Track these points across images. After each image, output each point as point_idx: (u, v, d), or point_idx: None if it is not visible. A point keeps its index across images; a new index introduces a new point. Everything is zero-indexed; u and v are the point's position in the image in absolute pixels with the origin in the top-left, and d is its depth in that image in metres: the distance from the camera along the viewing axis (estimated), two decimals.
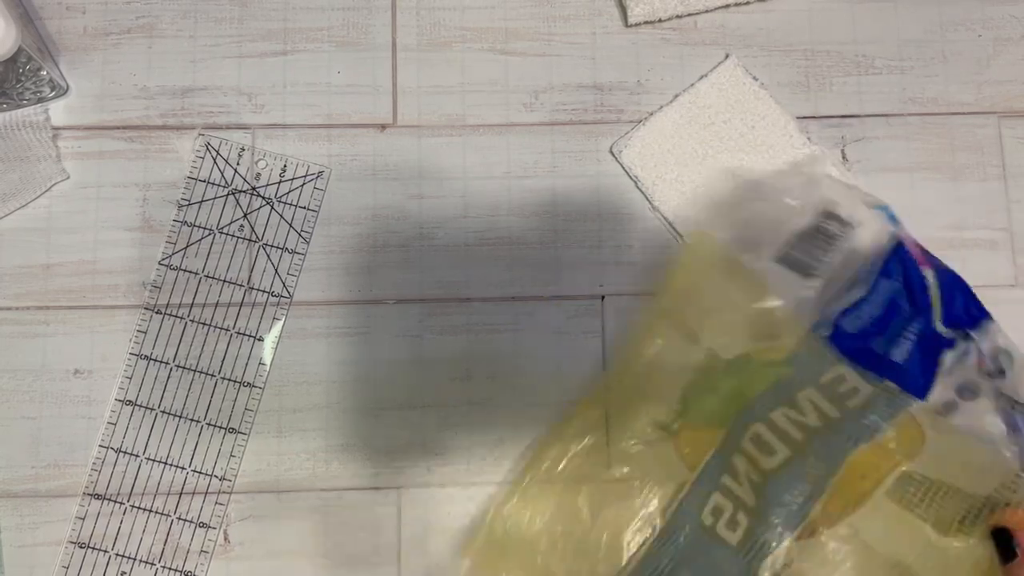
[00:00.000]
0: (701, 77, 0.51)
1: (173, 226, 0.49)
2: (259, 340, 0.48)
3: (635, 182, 0.50)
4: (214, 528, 0.47)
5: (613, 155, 0.50)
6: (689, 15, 0.52)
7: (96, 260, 0.49)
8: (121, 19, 0.51)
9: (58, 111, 0.50)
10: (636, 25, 0.51)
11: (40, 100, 0.49)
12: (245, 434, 0.48)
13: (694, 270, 0.46)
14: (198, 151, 0.50)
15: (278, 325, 0.49)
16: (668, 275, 0.47)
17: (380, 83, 0.51)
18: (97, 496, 0.47)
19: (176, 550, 0.47)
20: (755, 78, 0.51)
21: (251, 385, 0.48)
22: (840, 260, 0.43)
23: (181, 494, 0.47)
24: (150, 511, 0.47)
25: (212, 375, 0.48)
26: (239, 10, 0.51)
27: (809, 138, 0.50)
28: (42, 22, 0.51)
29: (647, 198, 0.50)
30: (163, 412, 0.48)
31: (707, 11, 0.51)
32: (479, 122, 0.51)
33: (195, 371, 0.48)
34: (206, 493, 0.47)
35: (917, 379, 0.41)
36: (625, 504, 0.43)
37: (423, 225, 0.50)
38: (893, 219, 0.44)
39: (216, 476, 0.47)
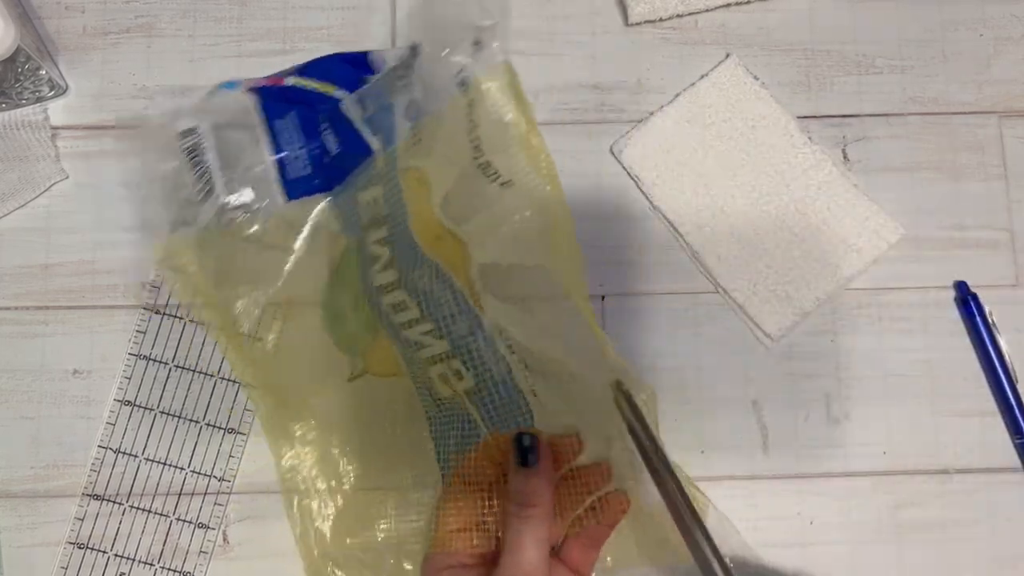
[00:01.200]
0: (702, 76, 0.51)
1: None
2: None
3: (635, 182, 0.50)
4: (213, 529, 0.47)
5: (613, 155, 0.50)
6: (690, 14, 0.51)
7: (95, 260, 0.49)
8: (120, 18, 0.51)
9: (57, 110, 0.50)
10: (637, 24, 0.51)
11: (39, 99, 0.49)
12: (244, 434, 0.48)
13: (204, 276, 0.45)
14: None
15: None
16: (201, 305, 0.46)
17: None
18: (96, 496, 0.47)
19: (175, 551, 0.47)
20: (756, 77, 0.51)
21: (251, 385, 0.48)
22: (215, 157, 0.42)
23: (180, 495, 0.47)
24: (149, 512, 0.47)
25: (211, 375, 0.48)
26: (238, 9, 0.51)
27: (810, 137, 0.50)
28: (41, 21, 0.51)
29: (647, 198, 0.50)
30: (162, 412, 0.48)
31: (708, 10, 0.51)
32: None
33: (194, 371, 0.48)
34: (205, 493, 0.47)
35: (356, 147, 0.41)
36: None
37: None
38: (230, 85, 0.44)
39: (215, 477, 0.47)
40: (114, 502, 0.47)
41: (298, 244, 0.43)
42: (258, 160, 0.43)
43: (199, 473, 0.47)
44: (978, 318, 0.48)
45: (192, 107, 0.44)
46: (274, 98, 0.43)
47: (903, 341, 0.49)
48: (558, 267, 0.44)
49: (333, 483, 0.44)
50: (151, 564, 0.46)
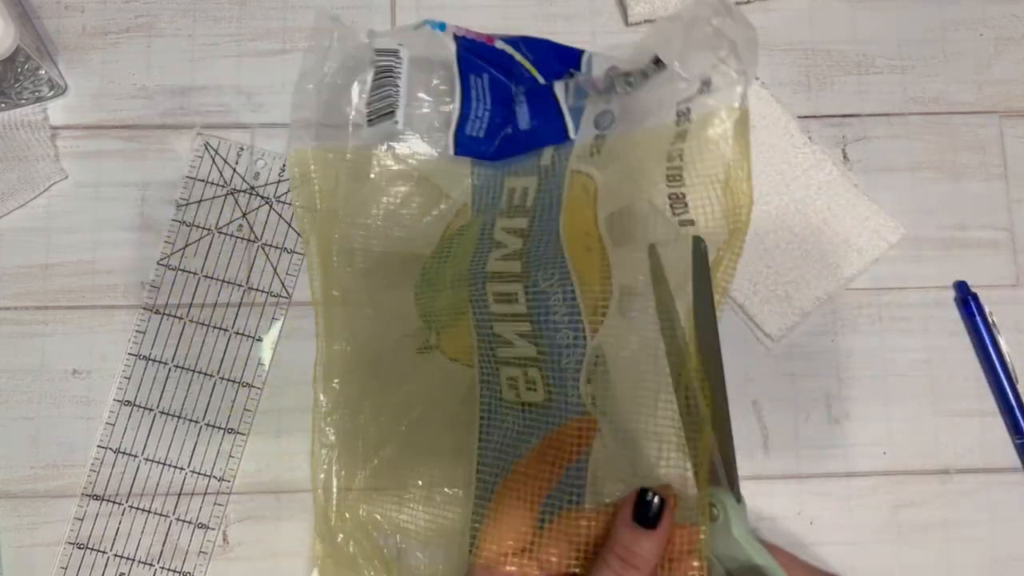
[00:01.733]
0: None
1: (172, 226, 0.49)
2: (258, 340, 0.48)
3: None
4: (213, 529, 0.47)
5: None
6: None
7: (95, 260, 0.49)
8: (120, 18, 0.51)
9: (56, 110, 0.50)
10: (636, 24, 0.51)
11: (38, 99, 0.49)
12: (244, 434, 0.48)
13: (322, 194, 0.43)
14: (197, 150, 0.50)
15: (277, 325, 0.49)
16: (303, 216, 0.44)
17: None
18: (96, 497, 0.47)
19: (175, 551, 0.47)
20: (756, 77, 0.51)
21: (250, 385, 0.48)
22: (405, 85, 0.41)
23: (180, 495, 0.47)
24: (149, 512, 0.47)
25: (211, 375, 0.48)
26: (238, 9, 0.51)
27: (810, 137, 0.50)
28: (40, 21, 0.51)
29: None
30: (162, 412, 0.48)
31: None
32: None
33: (194, 371, 0.48)
34: (205, 494, 0.47)
35: (552, 129, 0.39)
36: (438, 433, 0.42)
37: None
38: (440, 26, 0.42)
39: (215, 477, 0.47)
40: (114, 502, 0.47)
41: (432, 200, 0.41)
42: (442, 105, 0.41)
43: (199, 473, 0.47)
44: (978, 318, 0.48)
45: (392, 32, 0.42)
46: (475, 53, 0.41)
47: (903, 341, 0.49)
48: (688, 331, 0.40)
49: (367, 449, 0.43)
50: (151, 564, 0.46)
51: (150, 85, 0.50)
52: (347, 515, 0.43)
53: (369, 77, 0.41)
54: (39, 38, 0.50)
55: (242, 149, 0.50)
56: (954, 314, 0.49)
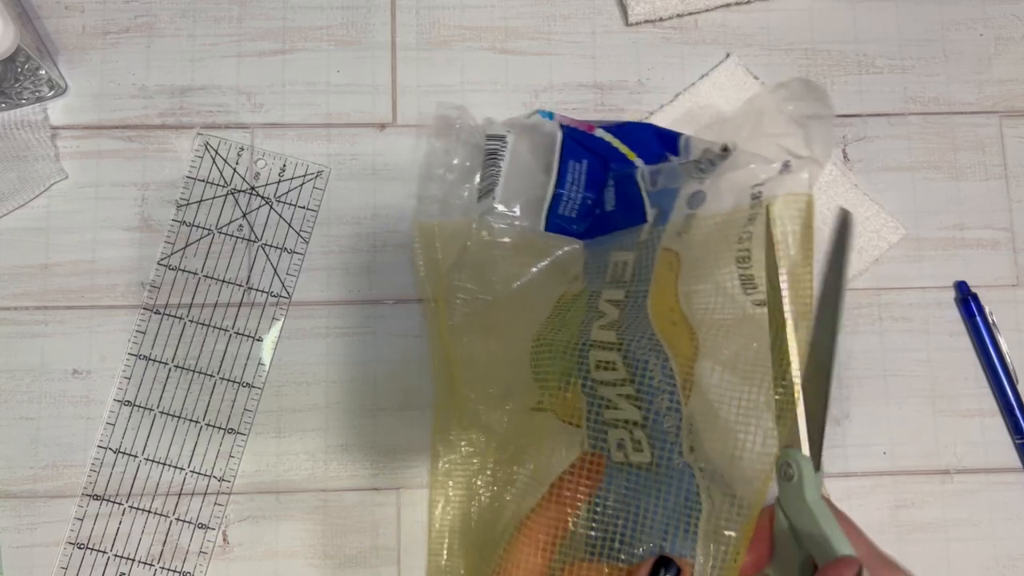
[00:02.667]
0: (702, 76, 0.51)
1: (172, 226, 0.49)
2: (258, 340, 0.48)
3: None
4: (213, 529, 0.47)
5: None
6: (690, 14, 0.51)
7: (95, 260, 0.49)
8: (120, 18, 0.51)
9: (56, 110, 0.50)
10: (637, 24, 0.51)
11: (38, 99, 0.49)
12: (244, 435, 0.48)
13: (445, 262, 0.46)
14: (197, 150, 0.50)
15: (277, 325, 0.49)
16: (429, 285, 0.47)
17: (379, 82, 0.51)
18: (96, 497, 0.47)
19: (175, 551, 0.47)
20: (756, 77, 0.51)
21: (250, 385, 0.48)
22: (507, 166, 0.45)
23: (180, 495, 0.47)
24: (149, 512, 0.47)
25: (211, 375, 0.48)
26: (238, 9, 0.51)
27: None
28: (40, 21, 0.51)
29: None
30: (162, 413, 0.48)
31: (708, 10, 0.51)
32: (479, 122, 0.50)
33: (194, 371, 0.48)
34: (205, 494, 0.47)
35: (633, 212, 0.42)
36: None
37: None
38: (548, 115, 0.46)
39: (215, 477, 0.47)
40: (114, 502, 0.47)
41: (535, 269, 0.45)
42: (540, 186, 0.45)
43: (199, 473, 0.47)
44: (978, 318, 0.49)
45: (506, 120, 0.47)
46: (577, 141, 0.45)
47: (903, 341, 0.49)
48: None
49: (477, 503, 0.44)
50: (151, 564, 0.46)
51: (150, 85, 0.50)
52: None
53: (481, 158, 0.46)
54: (39, 38, 0.50)
55: (242, 149, 0.50)
56: (954, 314, 0.49)
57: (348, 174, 0.50)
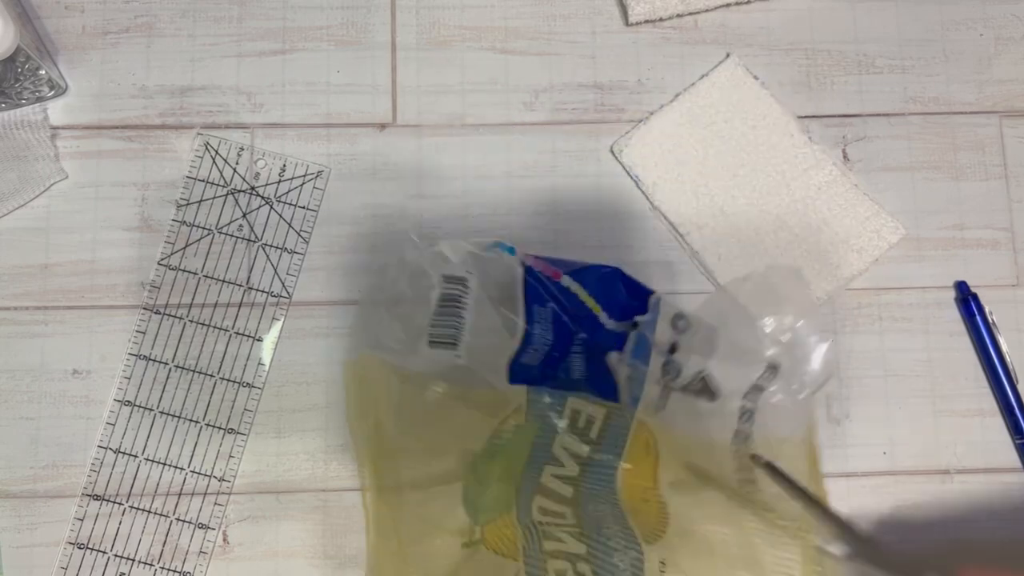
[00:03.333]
0: (702, 76, 0.51)
1: (172, 226, 0.49)
2: (258, 340, 0.48)
3: (635, 182, 0.50)
4: (213, 529, 0.47)
5: (613, 155, 0.50)
6: (690, 14, 0.51)
7: (95, 260, 0.49)
8: (120, 18, 0.51)
9: (56, 110, 0.50)
10: (637, 24, 0.51)
11: (39, 99, 0.49)
12: (244, 435, 0.48)
13: (377, 402, 0.44)
14: (197, 150, 0.50)
15: (277, 325, 0.49)
16: (356, 421, 0.45)
17: (379, 82, 0.51)
18: (96, 497, 0.47)
19: (175, 551, 0.47)
20: (756, 77, 0.51)
21: (250, 385, 0.48)
22: (471, 317, 0.41)
23: (180, 495, 0.47)
24: (149, 512, 0.47)
25: (211, 375, 0.48)
26: (238, 9, 0.51)
27: (810, 137, 0.50)
28: (40, 21, 0.51)
29: (647, 198, 0.50)
30: (162, 413, 0.48)
31: (708, 10, 0.51)
32: (479, 121, 0.51)
33: (194, 371, 0.48)
34: (205, 494, 0.47)
35: (605, 388, 0.40)
36: None
37: (423, 225, 0.49)
38: (510, 250, 0.42)
39: (215, 477, 0.47)
40: (114, 502, 0.47)
41: (485, 401, 0.43)
42: (495, 330, 0.41)
43: (199, 473, 0.47)
44: (978, 318, 0.48)
45: (466, 253, 0.42)
46: (540, 284, 0.41)
47: (903, 341, 0.49)
48: None
49: None
50: (151, 564, 0.46)
51: (150, 85, 0.50)
52: None
53: (434, 297, 0.41)
54: (39, 38, 0.50)
55: (242, 149, 0.50)
56: (954, 314, 0.49)
57: (348, 174, 0.50)
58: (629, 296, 0.42)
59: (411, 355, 0.42)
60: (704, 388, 0.40)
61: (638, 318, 0.41)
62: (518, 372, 0.41)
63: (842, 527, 0.39)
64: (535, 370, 0.42)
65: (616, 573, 0.38)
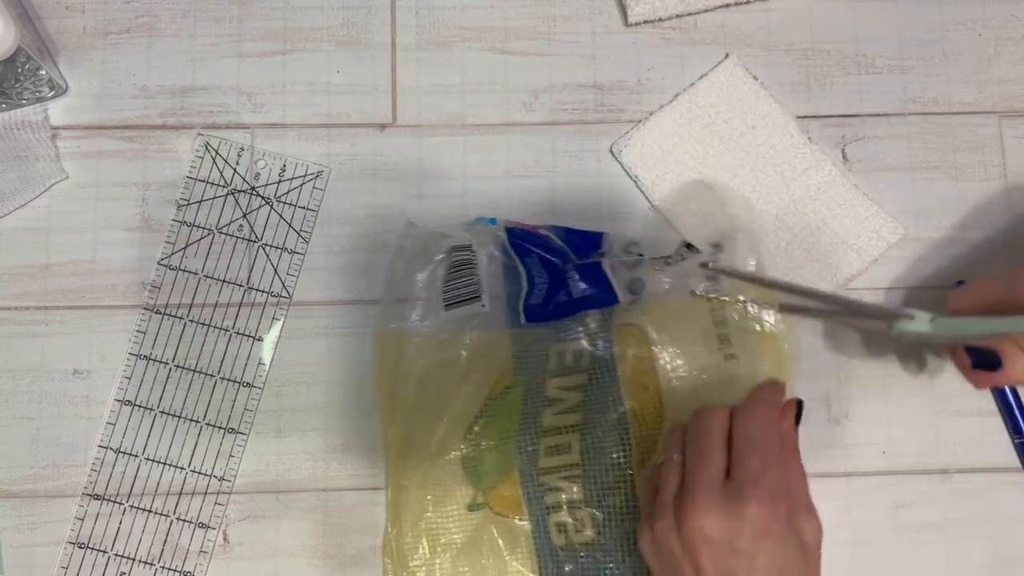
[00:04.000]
0: (701, 76, 0.51)
1: (172, 226, 0.49)
2: (258, 340, 0.48)
3: (635, 182, 0.50)
4: (213, 528, 0.47)
5: (613, 155, 0.50)
6: (689, 14, 0.51)
7: (95, 260, 0.49)
8: (120, 18, 0.51)
9: (57, 111, 0.50)
10: (636, 24, 0.51)
11: (39, 99, 0.49)
12: (244, 434, 0.48)
13: (397, 371, 0.46)
14: (197, 151, 0.50)
15: (277, 325, 0.49)
16: (380, 387, 0.46)
17: (379, 83, 0.51)
18: (96, 496, 0.47)
19: (175, 550, 0.47)
20: (755, 77, 0.51)
21: (250, 385, 0.48)
22: (488, 273, 0.47)
23: (180, 494, 0.47)
24: (149, 511, 0.47)
25: (211, 375, 0.48)
26: (238, 9, 0.51)
27: (810, 138, 0.50)
28: (41, 21, 0.51)
29: (647, 198, 0.50)
30: (162, 412, 0.48)
31: (707, 10, 0.51)
32: (479, 122, 0.51)
33: (194, 371, 0.48)
34: (205, 493, 0.47)
35: (603, 294, 0.46)
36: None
37: (423, 225, 0.49)
38: (491, 221, 0.48)
39: (215, 476, 0.47)
40: (114, 502, 0.47)
41: (475, 369, 0.46)
42: (499, 285, 0.47)
43: (199, 473, 0.47)
44: None
45: (460, 229, 0.48)
46: (524, 240, 0.47)
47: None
48: None
49: None
50: (151, 564, 0.46)
51: (151, 85, 0.50)
52: None
53: (441, 269, 0.47)
54: (40, 38, 0.50)
55: (242, 149, 0.50)
56: None
57: (348, 174, 0.50)
58: (586, 242, 0.48)
59: (433, 320, 0.47)
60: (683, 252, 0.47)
61: (602, 251, 0.48)
62: (532, 312, 0.46)
63: (808, 292, 0.45)
64: (545, 307, 0.46)
65: (610, 512, 0.41)
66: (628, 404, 0.42)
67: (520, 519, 0.44)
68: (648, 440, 0.42)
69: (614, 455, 0.41)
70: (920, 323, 0.42)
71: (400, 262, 0.48)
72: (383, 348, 0.47)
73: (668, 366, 0.43)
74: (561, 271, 0.47)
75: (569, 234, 0.49)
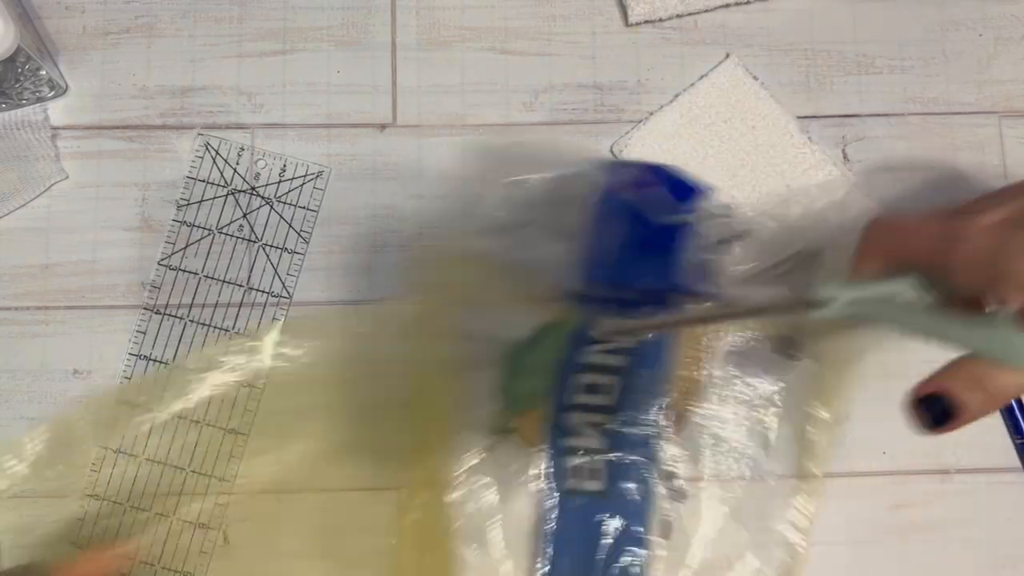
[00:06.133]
0: (701, 77, 0.51)
1: (172, 226, 0.49)
2: (258, 340, 0.48)
3: None
4: (214, 529, 0.47)
5: (613, 155, 0.50)
6: (689, 14, 0.51)
7: (95, 260, 0.49)
8: (120, 18, 0.51)
9: (57, 111, 0.50)
10: (636, 24, 0.51)
11: (39, 100, 0.49)
12: (245, 434, 0.48)
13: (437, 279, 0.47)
14: (197, 151, 0.50)
15: (277, 325, 0.49)
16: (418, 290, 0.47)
17: (380, 83, 0.51)
18: (96, 496, 0.47)
19: (175, 551, 0.47)
20: (756, 78, 0.51)
21: (251, 385, 0.48)
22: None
23: (180, 495, 0.47)
24: (149, 512, 0.47)
25: None
26: (238, 9, 0.51)
27: (810, 138, 0.50)
28: (41, 21, 0.51)
29: None
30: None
31: (707, 10, 0.51)
32: (479, 122, 0.51)
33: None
34: (205, 494, 0.47)
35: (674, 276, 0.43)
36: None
37: (423, 225, 0.49)
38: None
39: (215, 476, 0.47)
40: (114, 502, 0.47)
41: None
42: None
43: (199, 473, 0.47)
44: None
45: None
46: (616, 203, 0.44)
47: (903, 340, 0.49)
48: None
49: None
50: (151, 564, 0.46)
51: (150, 85, 0.50)
52: None
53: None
54: (39, 38, 0.50)
55: (243, 149, 0.50)
56: None
57: (348, 174, 0.50)
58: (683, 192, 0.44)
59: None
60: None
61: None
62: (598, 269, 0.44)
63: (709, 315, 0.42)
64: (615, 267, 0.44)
65: (627, 470, 0.42)
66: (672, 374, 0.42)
67: (539, 449, 0.44)
68: (683, 397, 0.42)
69: (646, 423, 0.42)
70: (835, 307, 0.33)
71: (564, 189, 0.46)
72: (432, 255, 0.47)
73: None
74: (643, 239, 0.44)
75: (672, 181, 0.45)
